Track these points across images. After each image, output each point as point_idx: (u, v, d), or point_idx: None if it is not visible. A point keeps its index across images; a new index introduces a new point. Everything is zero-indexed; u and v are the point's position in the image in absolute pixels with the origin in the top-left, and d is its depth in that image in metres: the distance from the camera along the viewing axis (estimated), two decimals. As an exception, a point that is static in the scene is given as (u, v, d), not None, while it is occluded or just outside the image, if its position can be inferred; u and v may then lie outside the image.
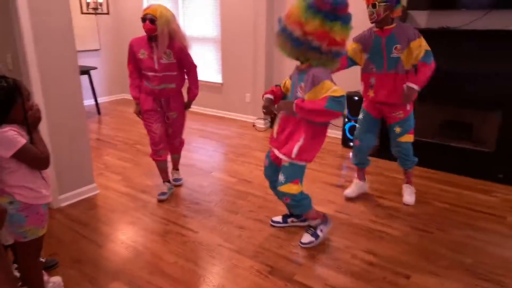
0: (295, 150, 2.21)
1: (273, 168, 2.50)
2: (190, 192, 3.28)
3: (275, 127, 2.39)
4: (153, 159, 3.13)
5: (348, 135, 4.33)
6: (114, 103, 6.67)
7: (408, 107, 2.86)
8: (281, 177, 2.31)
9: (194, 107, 3.31)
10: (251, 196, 3.18)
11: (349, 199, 3.13)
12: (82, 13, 5.10)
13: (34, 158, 1.62)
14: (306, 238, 2.50)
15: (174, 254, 2.40)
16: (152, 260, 2.34)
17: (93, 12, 5.14)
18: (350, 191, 3.17)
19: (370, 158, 3.18)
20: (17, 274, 1.95)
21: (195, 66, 3.08)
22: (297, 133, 2.23)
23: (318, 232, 2.50)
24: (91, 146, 3.22)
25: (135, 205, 3.03)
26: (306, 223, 2.65)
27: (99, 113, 5.93)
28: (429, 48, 2.69)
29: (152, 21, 2.73)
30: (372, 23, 2.75)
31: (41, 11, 2.64)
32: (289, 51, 2.16)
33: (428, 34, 3.50)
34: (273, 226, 2.71)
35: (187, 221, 2.79)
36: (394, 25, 2.71)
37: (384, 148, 4.08)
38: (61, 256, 2.35)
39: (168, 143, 3.16)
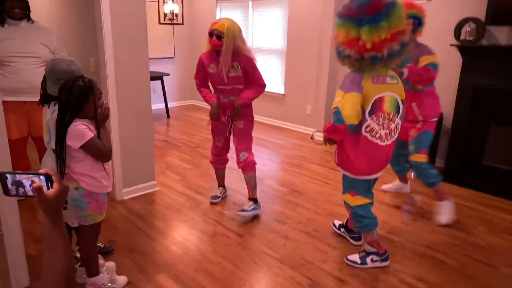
0: (336, 157, 2.32)
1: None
2: (241, 197, 3.36)
3: None
4: (212, 165, 3.28)
5: (410, 154, 4.12)
6: (183, 108, 7.07)
7: (419, 125, 2.86)
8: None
9: (254, 116, 3.29)
10: (300, 208, 3.17)
11: (404, 223, 2.98)
12: (160, 23, 5.53)
13: (98, 151, 1.80)
14: (354, 256, 2.43)
15: (219, 255, 2.48)
16: (198, 258, 2.44)
17: (169, 22, 5.54)
18: (387, 186, 3.48)
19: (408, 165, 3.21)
20: (77, 254, 2.16)
21: (263, 85, 2.90)
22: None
23: (368, 259, 2.38)
24: (157, 147, 3.46)
25: (189, 205, 3.18)
26: (358, 243, 2.61)
27: (168, 116, 6.33)
28: (436, 63, 2.69)
29: (219, 37, 2.70)
30: None
31: (120, 20, 2.93)
32: (351, 65, 2.14)
33: (509, 52, 3.24)
34: (333, 229, 2.79)
35: (235, 225, 2.86)
36: (412, 45, 2.63)
37: (451, 173, 3.83)
38: (117, 244, 2.55)
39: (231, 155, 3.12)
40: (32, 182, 0.90)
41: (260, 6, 5.93)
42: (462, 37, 3.72)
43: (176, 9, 5.44)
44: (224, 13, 6.49)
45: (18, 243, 2.00)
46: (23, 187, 0.91)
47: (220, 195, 3.29)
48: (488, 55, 3.48)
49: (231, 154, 3.19)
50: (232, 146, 3.12)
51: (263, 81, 2.90)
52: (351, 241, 2.64)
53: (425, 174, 2.93)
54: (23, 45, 2.76)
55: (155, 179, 3.46)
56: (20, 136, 2.91)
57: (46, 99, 1.91)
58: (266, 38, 5.96)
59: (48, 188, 0.89)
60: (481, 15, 3.60)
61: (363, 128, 2.08)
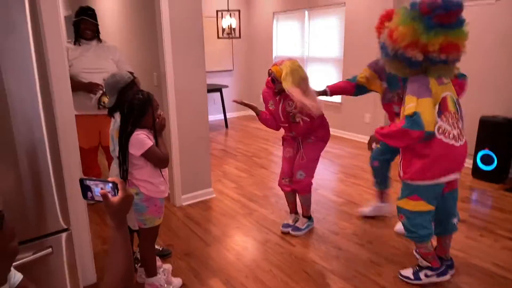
0: (401, 170, 2.14)
1: None
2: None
3: None
4: (281, 188, 2.94)
5: (480, 164, 3.81)
6: (241, 119, 7.25)
7: None
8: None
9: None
10: (356, 219, 3.08)
11: (469, 238, 2.76)
12: (218, 37, 5.77)
13: (157, 158, 1.94)
14: (407, 272, 2.30)
15: (270, 262, 2.50)
16: (250, 265, 2.48)
17: (227, 36, 5.76)
18: (366, 210, 3.11)
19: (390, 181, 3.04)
20: (138, 255, 2.32)
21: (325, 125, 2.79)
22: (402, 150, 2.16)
23: (421, 274, 2.23)
24: (215, 155, 3.60)
25: (243, 212, 3.25)
26: (443, 278, 2.27)
27: (226, 126, 6.53)
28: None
29: (273, 80, 2.59)
30: None
31: (180, 37, 3.12)
32: (403, 72, 2.07)
33: None
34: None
35: (287, 234, 2.86)
36: None
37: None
38: (174, 248, 2.69)
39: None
40: (101, 188, 1.01)
41: (316, 16, 5.93)
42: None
43: (234, 23, 5.65)
44: (280, 25, 6.59)
45: (86, 243, 2.20)
46: (92, 192, 1.03)
47: (292, 223, 2.92)
48: None
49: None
50: None
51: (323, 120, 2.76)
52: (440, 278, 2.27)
53: None
54: (95, 61, 3.09)
55: (212, 186, 3.59)
56: (91, 146, 3.23)
57: (110, 110, 2.13)
58: (322, 47, 5.93)
59: (114, 195, 1.00)
60: None
61: (436, 131, 1.96)
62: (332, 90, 2.85)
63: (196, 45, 3.23)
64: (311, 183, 2.81)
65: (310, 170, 2.78)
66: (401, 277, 2.29)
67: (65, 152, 1.91)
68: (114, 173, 2.26)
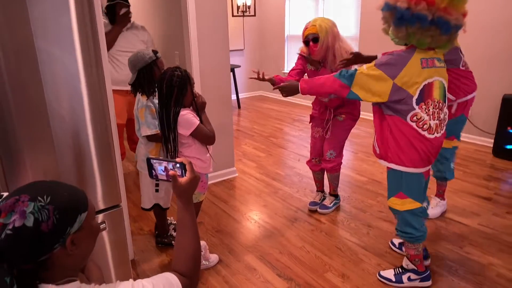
0: (376, 146, 1.99)
1: None
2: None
3: None
4: (309, 167, 2.98)
5: (501, 142, 3.81)
6: (253, 99, 7.21)
7: (454, 110, 2.49)
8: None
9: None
10: (381, 197, 3.10)
11: (497, 215, 2.78)
12: (233, 16, 5.68)
13: (205, 135, 1.96)
14: (387, 273, 2.13)
15: (301, 239, 2.53)
16: (281, 241, 2.51)
17: (242, 14, 5.67)
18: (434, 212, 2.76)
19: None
20: (173, 233, 2.35)
21: None
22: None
23: (404, 277, 2.08)
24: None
25: (268, 191, 3.27)
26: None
27: (239, 107, 6.51)
28: None
29: (316, 40, 2.50)
30: None
31: (204, 15, 3.07)
32: (435, 41, 1.78)
33: None
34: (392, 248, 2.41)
35: (314, 212, 2.89)
36: None
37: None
38: (205, 225, 2.72)
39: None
40: (165, 169, 1.02)
41: (331, -7, 5.81)
42: None
43: (249, 1, 5.54)
44: (293, 3, 6.47)
45: (126, 220, 2.23)
46: (156, 171, 1.03)
47: (319, 201, 2.98)
48: None
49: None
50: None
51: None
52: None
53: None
54: (130, 42, 3.17)
55: (235, 166, 3.60)
56: (120, 123, 3.23)
57: (132, 87, 2.20)
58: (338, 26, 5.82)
59: (182, 175, 1.00)
60: None
61: (408, 117, 1.81)
62: None
63: (220, 23, 3.18)
64: (341, 162, 2.82)
65: (340, 149, 2.78)
66: (380, 278, 2.13)
67: (114, 129, 1.91)
68: (141, 153, 2.29)
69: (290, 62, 6.85)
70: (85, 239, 0.85)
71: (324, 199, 3.00)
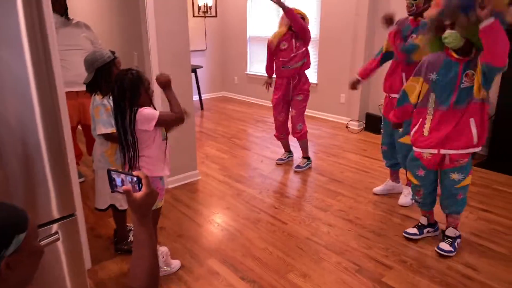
0: (475, 137, 2.17)
1: (432, 176, 2.38)
2: (281, 186, 3.42)
3: (427, 124, 2.27)
4: (277, 138, 3.93)
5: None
6: (215, 100, 7.17)
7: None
8: (458, 176, 2.27)
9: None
10: (341, 196, 3.19)
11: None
12: (194, 16, 5.62)
13: (171, 120, 1.94)
14: (446, 246, 2.38)
15: (264, 240, 2.55)
16: (244, 244, 2.52)
17: (203, 15, 5.62)
18: (379, 188, 3.24)
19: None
20: (131, 237, 2.29)
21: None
22: (466, 123, 2.17)
23: (456, 244, 2.40)
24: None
25: (231, 193, 3.27)
26: (437, 233, 2.59)
27: (202, 108, 6.45)
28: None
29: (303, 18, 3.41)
30: (410, 15, 2.70)
31: (163, 15, 3.02)
32: (472, 30, 1.94)
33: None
34: (409, 238, 2.54)
35: (277, 212, 2.93)
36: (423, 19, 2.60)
37: (494, 160, 3.74)
38: (167, 230, 2.67)
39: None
40: (123, 181, 0.98)
41: (291, -4, 5.89)
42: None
43: (210, 1, 5.50)
44: (255, 4, 6.50)
45: (83, 228, 2.14)
46: (116, 183, 0.99)
47: (285, 158, 3.95)
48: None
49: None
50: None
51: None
52: (436, 234, 2.58)
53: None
54: (71, 38, 3.01)
55: (197, 169, 3.57)
56: (72, 125, 3.10)
57: (88, 87, 2.16)
58: (298, 28, 5.92)
59: (138, 190, 0.96)
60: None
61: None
62: (364, 76, 3.03)
63: (180, 23, 3.13)
64: (307, 130, 3.74)
65: (304, 120, 3.70)
66: (441, 251, 2.36)
67: (66, 133, 1.82)
68: (97, 152, 2.23)
69: (252, 63, 6.88)
70: (24, 262, 0.78)
71: (289, 157, 3.96)
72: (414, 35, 2.66)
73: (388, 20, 2.73)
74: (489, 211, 2.93)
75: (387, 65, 2.97)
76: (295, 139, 3.78)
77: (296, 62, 3.50)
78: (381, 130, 3.11)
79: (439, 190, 2.43)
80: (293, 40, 3.47)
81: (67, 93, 2.87)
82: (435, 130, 2.23)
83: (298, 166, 3.75)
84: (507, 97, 3.64)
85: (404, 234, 2.56)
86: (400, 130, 2.74)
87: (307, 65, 3.60)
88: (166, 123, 1.95)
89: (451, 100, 2.15)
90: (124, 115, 1.84)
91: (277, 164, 3.90)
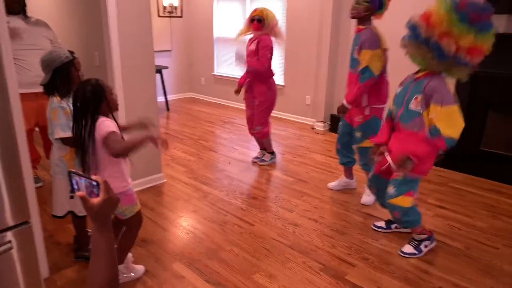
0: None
1: (380, 179, 2.47)
2: (248, 187, 3.43)
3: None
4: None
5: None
6: (182, 101, 7.08)
7: (367, 112, 2.84)
8: (392, 190, 2.28)
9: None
10: (307, 196, 3.24)
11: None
12: (159, 16, 5.53)
13: (115, 147, 1.78)
14: (408, 248, 2.44)
15: (230, 243, 2.55)
16: (211, 246, 2.50)
17: (168, 15, 5.54)
18: (334, 184, 3.40)
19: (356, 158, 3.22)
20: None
21: (263, 65, 3.54)
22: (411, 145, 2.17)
23: (422, 247, 2.44)
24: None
25: (198, 195, 3.24)
26: (407, 230, 2.60)
27: (168, 109, 6.35)
28: (367, 64, 2.65)
29: (260, 20, 3.47)
30: (351, 18, 2.80)
31: (126, 15, 2.95)
32: (426, 62, 2.05)
33: (507, 39, 3.33)
34: (376, 230, 2.70)
35: (244, 214, 2.93)
36: (365, 27, 2.74)
37: (450, 159, 3.93)
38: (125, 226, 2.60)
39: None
40: (84, 185, 0.92)
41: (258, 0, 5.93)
42: None
43: (176, 1, 5.43)
44: (221, 5, 6.48)
45: (39, 235, 2.05)
46: (75, 188, 0.94)
47: (260, 156, 4.02)
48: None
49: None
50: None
51: (264, 60, 3.52)
52: (405, 230, 2.63)
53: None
54: (30, 38, 2.86)
55: (162, 172, 3.51)
56: (28, 128, 2.95)
57: (46, 89, 2.08)
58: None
59: (97, 195, 0.91)
60: (479, 4, 3.67)
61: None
62: (351, 102, 2.87)
63: (143, 23, 3.07)
64: (268, 130, 3.84)
65: (264, 122, 3.78)
66: (404, 254, 2.41)
67: (20, 136, 1.73)
68: (54, 157, 2.15)
69: (219, 64, 6.85)
70: None
71: (264, 154, 4.01)
72: (357, 48, 2.76)
73: None
74: (446, 208, 3.07)
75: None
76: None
77: (250, 66, 3.63)
78: (338, 130, 3.24)
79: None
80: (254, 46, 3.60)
81: (26, 94, 2.79)
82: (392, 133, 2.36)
83: (262, 160, 3.96)
84: (460, 98, 3.83)
85: (372, 226, 2.73)
86: (358, 134, 2.91)
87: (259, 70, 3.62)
88: (112, 143, 1.79)
89: (398, 113, 2.24)
90: (86, 124, 1.79)
91: (253, 162, 3.99)
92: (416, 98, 2.12)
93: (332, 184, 3.39)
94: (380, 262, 2.37)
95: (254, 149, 4.40)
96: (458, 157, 3.93)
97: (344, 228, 2.74)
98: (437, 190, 3.38)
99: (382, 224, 2.72)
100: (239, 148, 4.43)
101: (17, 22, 2.88)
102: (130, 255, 2.23)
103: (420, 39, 1.98)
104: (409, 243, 2.48)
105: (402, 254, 2.42)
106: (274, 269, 2.29)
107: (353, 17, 2.78)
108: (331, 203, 3.12)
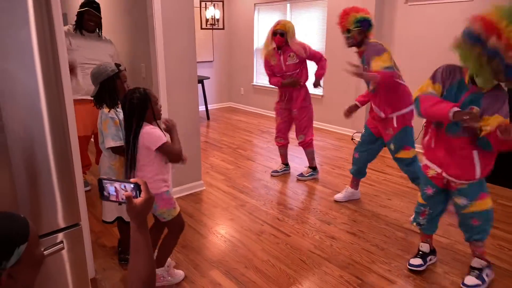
0: (477, 171, 2.04)
1: (441, 197, 2.27)
2: (285, 197, 3.43)
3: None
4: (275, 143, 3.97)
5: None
6: (222, 110, 7.23)
7: (395, 123, 2.84)
8: (462, 200, 2.13)
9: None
10: (345, 209, 3.19)
11: (452, 225, 2.93)
12: (202, 28, 5.72)
13: (172, 153, 1.97)
14: (471, 280, 2.17)
15: (267, 253, 2.56)
16: (247, 256, 2.53)
17: (211, 27, 5.71)
18: (340, 196, 3.33)
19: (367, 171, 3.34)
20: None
21: (324, 58, 3.70)
22: (467, 155, 2.04)
23: (484, 276, 2.18)
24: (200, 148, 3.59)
25: (235, 204, 3.28)
26: (436, 259, 2.44)
27: (208, 118, 6.51)
28: (382, 66, 2.64)
29: (282, 34, 3.47)
30: (349, 47, 2.94)
31: (171, 27, 3.08)
32: (500, 79, 1.86)
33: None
34: (414, 271, 2.34)
35: (280, 224, 2.93)
36: (364, 46, 2.86)
37: (499, 174, 3.71)
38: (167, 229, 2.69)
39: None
40: (117, 190, 0.98)
41: (298, 8, 5.98)
42: None
43: (217, 14, 5.60)
44: (262, 17, 6.59)
45: (87, 237, 2.17)
46: (108, 192, 1.00)
47: (280, 171, 3.94)
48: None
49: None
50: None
51: (321, 54, 3.65)
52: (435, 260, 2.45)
53: (411, 170, 2.93)
54: (95, 53, 3.19)
55: (202, 179, 3.59)
56: (84, 134, 3.18)
57: (95, 100, 2.21)
58: (305, 40, 5.98)
59: (136, 196, 0.97)
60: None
61: None
62: (362, 102, 3.19)
63: (187, 35, 3.20)
64: (312, 140, 3.75)
65: (308, 130, 3.72)
66: (467, 287, 2.16)
67: (74, 142, 1.87)
68: (104, 165, 2.27)
69: (258, 74, 6.95)
70: (25, 271, 0.80)
71: (285, 170, 3.97)
72: (366, 66, 2.83)
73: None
74: (495, 226, 2.89)
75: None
76: (297, 150, 3.96)
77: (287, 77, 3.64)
78: (359, 139, 3.25)
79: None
80: (281, 57, 3.59)
81: (85, 100, 3.05)
82: (436, 147, 2.16)
83: (300, 174, 3.84)
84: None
85: (409, 267, 2.35)
86: (392, 147, 2.89)
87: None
88: (167, 152, 1.97)
89: (444, 124, 2.07)
90: (131, 129, 1.89)
91: (272, 176, 3.91)
92: (471, 109, 1.95)
93: (338, 196, 3.34)
94: (422, 280, 2.27)
95: (291, 160, 4.40)
96: (508, 172, 3.70)
97: (383, 243, 2.67)
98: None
99: (419, 261, 2.34)
100: (276, 158, 4.44)
101: (86, 38, 3.22)
102: (170, 260, 2.30)
103: (493, 55, 1.74)
104: (470, 273, 2.21)
105: (463, 286, 2.18)
106: (311, 282, 2.26)
107: (351, 46, 2.91)
108: (370, 217, 3.05)
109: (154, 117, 1.97)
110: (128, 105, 1.90)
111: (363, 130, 3.19)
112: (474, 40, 1.79)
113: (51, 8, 1.42)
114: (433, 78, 2.09)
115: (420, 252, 2.40)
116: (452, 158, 2.08)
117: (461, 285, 2.19)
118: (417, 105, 2.07)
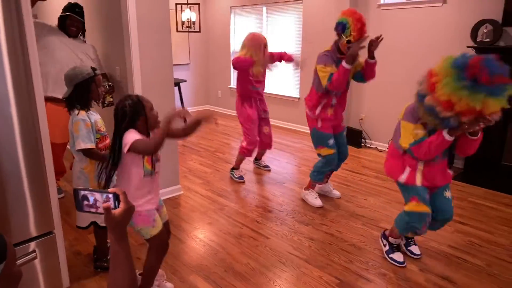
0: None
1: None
2: (264, 200, 3.44)
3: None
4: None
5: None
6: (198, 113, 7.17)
7: (319, 124, 3.34)
8: (449, 194, 2.42)
9: (270, 120, 3.68)
10: (323, 210, 3.23)
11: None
12: (178, 31, 5.68)
13: (144, 148, 1.77)
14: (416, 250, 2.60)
15: (246, 255, 2.55)
16: (226, 259, 2.52)
17: (187, 30, 5.68)
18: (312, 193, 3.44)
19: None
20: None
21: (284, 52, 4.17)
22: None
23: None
24: (177, 152, 3.55)
25: (214, 207, 3.26)
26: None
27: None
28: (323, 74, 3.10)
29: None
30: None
31: (146, 30, 3.04)
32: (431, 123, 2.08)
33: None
34: (400, 267, 2.46)
35: (259, 227, 2.94)
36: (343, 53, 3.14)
37: (470, 173, 3.85)
38: (148, 247, 2.64)
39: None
40: (95, 200, 0.94)
41: (274, 12, 6.03)
42: (479, 38, 3.76)
43: (194, 17, 5.57)
44: (238, 20, 6.60)
45: (61, 245, 2.10)
46: (89, 202, 0.95)
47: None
48: (505, 56, 3.49)
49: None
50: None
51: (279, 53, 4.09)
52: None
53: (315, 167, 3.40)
54: (76, 56, 3.11)
55: (180, 183, 3.55)
56: (62, 142, 3.07)
57: (67, 103, 2.14)
58: (280, 43, 6.04)
59: (115, 207, 0.93)
60: (498, 17, 3.64)
61: None
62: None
63: (163, 38, 3.16)
64: (242, 146, 3.85)
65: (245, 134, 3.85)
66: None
67: (46, 149, 1.80)
68: (76, 170, 2.19)
69: (236, 77, 6.93)
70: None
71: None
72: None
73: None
74: (466, 223, 3.01)
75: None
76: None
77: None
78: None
79: None
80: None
81: (55, 103, 2.94)
82: (428, 178, 2.32)
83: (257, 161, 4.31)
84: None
85: (393, 262, 2.47)
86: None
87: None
88: (138, 150, 1.79)
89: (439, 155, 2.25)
90: (119, 137, 1.82)
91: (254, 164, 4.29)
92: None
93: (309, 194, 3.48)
94: (397, 278, 2.33)
95: (269, 162, 4.42)
96: (478, 171, 3.86)
97: (361, 243, 2.72)
98: (457, 205, 3.31)
99: (401, 258, 2.49)
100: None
101: (68, 41, 3.17)
102: (162, 272, 2.22)
103: (431, 110, 1.98)
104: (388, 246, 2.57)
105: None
106: (290, 283, 2.28)
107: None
108: (347, 217, 3.10)
109: (148, 126, 1.89)
110: (120, 113, 1.80)
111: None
112: (420, 97, 2.05)
113: (21, 9, 1.38)
114: (412, 119, 2.20)
115: (395, 245, 2.57)
116: (438, 175, 2.34)
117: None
118: (418, 156, 2.21)
